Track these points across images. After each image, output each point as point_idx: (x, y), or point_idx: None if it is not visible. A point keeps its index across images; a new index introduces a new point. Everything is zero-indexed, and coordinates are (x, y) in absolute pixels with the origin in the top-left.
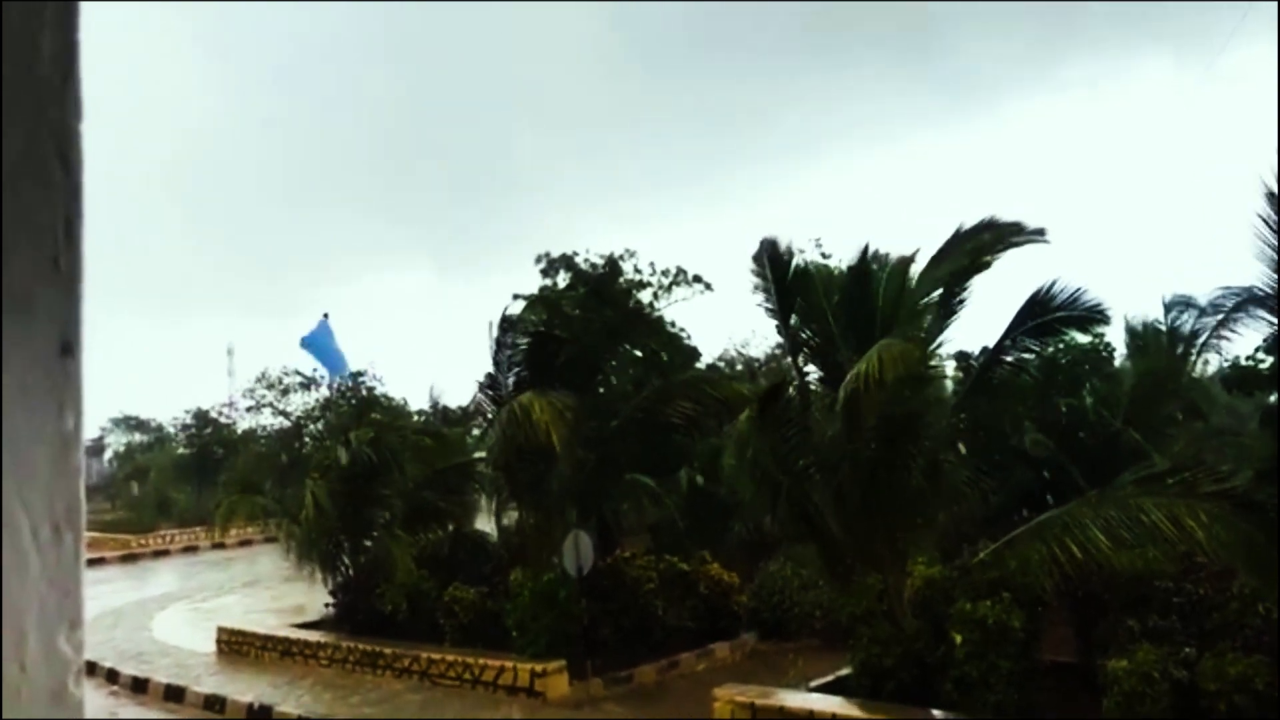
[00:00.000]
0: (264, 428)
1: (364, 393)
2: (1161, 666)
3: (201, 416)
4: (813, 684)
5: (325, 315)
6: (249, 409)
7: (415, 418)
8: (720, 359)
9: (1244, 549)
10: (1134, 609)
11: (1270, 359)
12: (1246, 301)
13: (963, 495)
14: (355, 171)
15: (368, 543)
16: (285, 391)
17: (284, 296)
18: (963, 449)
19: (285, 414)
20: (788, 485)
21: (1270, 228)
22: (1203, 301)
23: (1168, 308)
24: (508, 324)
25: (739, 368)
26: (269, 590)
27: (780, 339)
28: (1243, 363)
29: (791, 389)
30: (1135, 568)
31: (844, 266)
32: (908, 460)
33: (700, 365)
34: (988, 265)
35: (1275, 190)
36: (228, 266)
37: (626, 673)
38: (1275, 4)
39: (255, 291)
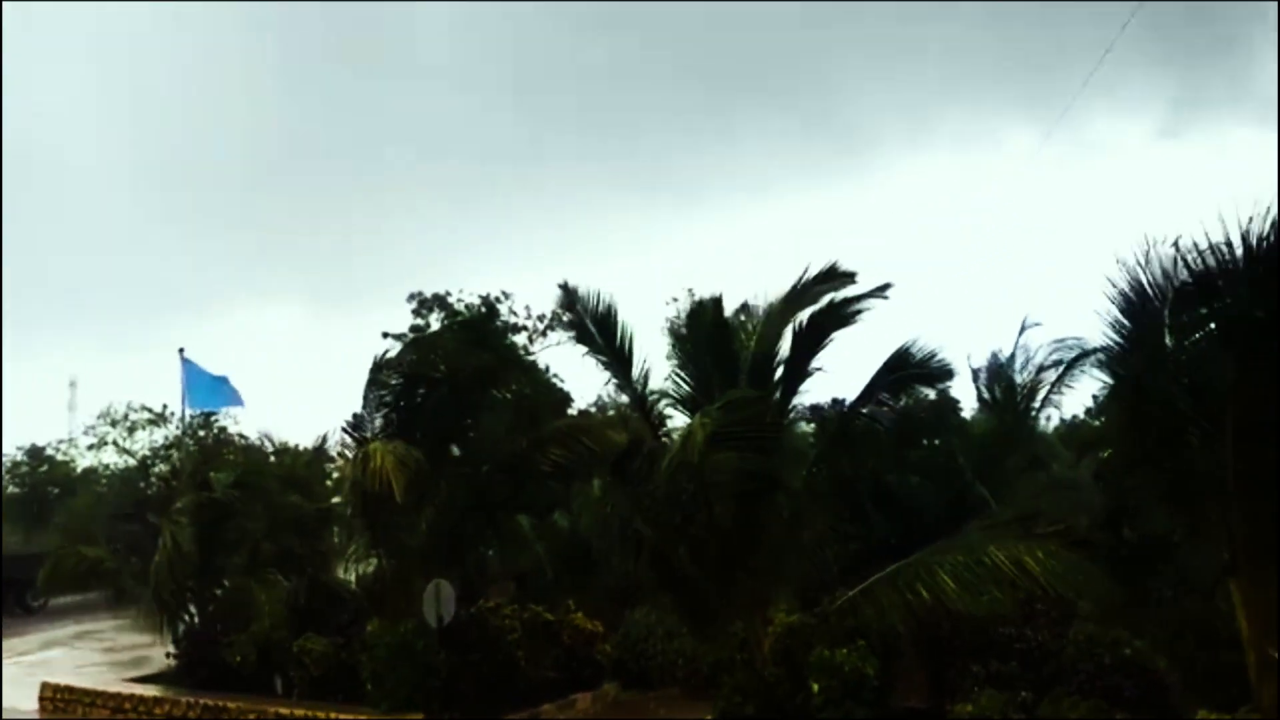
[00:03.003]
0: (107, 466)
1: (216, 432)
2: (1003, 711)
3: (36, 453)
4: None
5: (181, 350)
6: (90, 446)
7: (272, 459)
8: (593, 405)
9: (1080, 583)
10: (979, 655)
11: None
12: (1082, 355)
13: (823, 545)
14: (221, 199)
15: (218, 590)
16: (132, 429)
17: (136, 329)
18: (823, 499)
19: (130, 452)
20: (649, 537)
21: (1121, 291)
22: (1042, 354)
23: (1010, 361)
24: (381, 365)
25: (611, 413)
26: (103, 641)
27: (624, 395)
28: (1078, 420)
29: (648, 442)
30: (980, 613)
31: (713, 318)
32: (765, 513)
33: (573, 410)
34: (845, 320)
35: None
36: (73, 296)
37: None
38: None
39: (104, 323)
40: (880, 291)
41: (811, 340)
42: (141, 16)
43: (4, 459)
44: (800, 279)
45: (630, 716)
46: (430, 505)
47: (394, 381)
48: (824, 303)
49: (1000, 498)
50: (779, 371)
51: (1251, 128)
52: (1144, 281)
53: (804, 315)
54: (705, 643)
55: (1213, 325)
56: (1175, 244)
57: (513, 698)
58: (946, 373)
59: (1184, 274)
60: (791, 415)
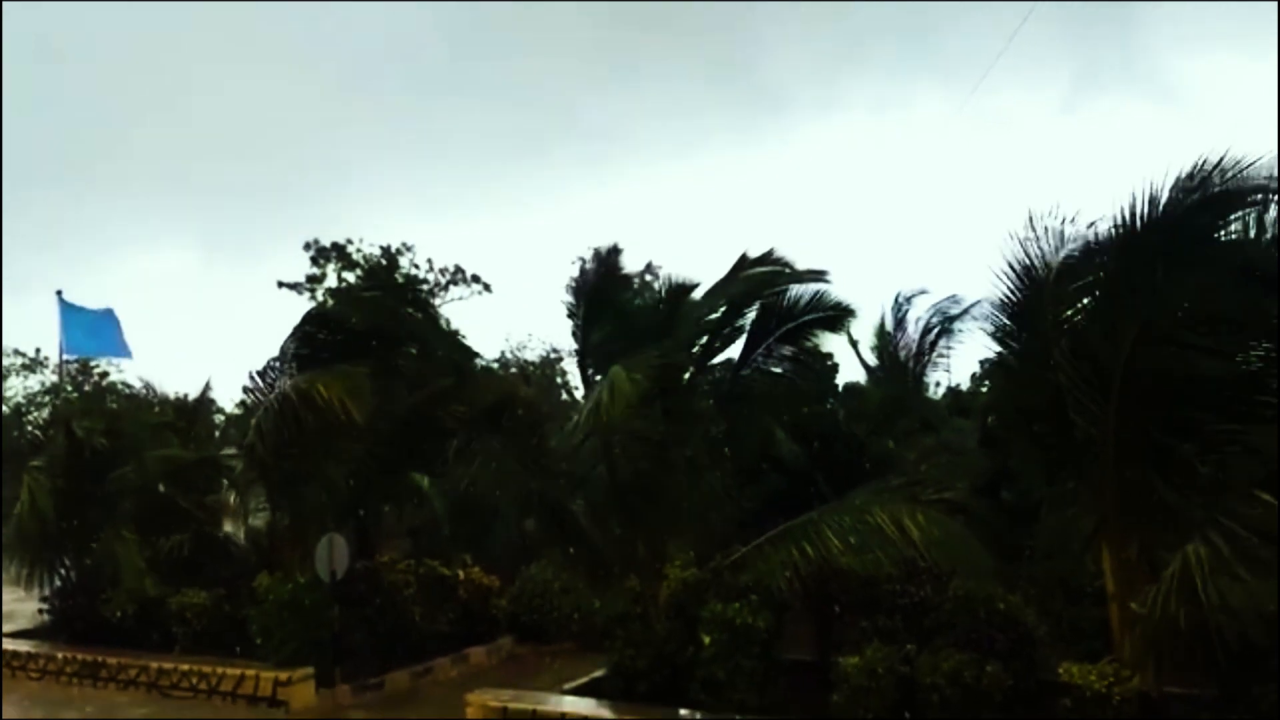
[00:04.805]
0: None
1: (97, 379)
2: (887, 663)
3: None
4: (567, 686)
5: (59, 293)
6: None
7: (157, 409)
8: (496, 360)
9: (957, 549)
10: (865, 610)
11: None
12: (962, 313)
13: (719, 501)
14: (106, 137)
15: (93, 544)
16: (3, 375)
17: (10, 270)
18: (719, 458)
19: (2, 399)
20: (542, 492)
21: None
22: (926, 316)
23: (902, 321)
24: (313, 316)
25: (513, 370)
26: None
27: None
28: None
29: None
30: (865, 570)
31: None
32: (665, 470)
33: (475, 366)
34: (767, 299)
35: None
36: None
37: (377, 680)
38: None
39: None
40: (819, 276)
41: (733, 317)
42: None
43: None
44: (740, 261)
45: (524, 670)
46: (330, 458)
47: (313, 331)
48: (745, 284)
49: (891, 458)
50: (696, 339)
51: (1142, 104)
52: (1030, 253)
53: (726, 294)
54: (600, 597)
55: (1095, 295)
56: (1060, 218)
57: (406, 652)
58: (846, 310)
59: (1069, 245)
60: (693, 374)
